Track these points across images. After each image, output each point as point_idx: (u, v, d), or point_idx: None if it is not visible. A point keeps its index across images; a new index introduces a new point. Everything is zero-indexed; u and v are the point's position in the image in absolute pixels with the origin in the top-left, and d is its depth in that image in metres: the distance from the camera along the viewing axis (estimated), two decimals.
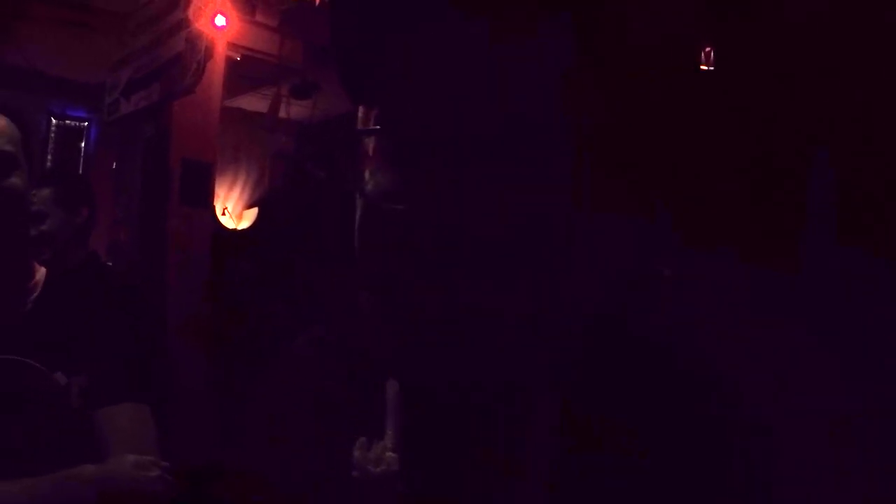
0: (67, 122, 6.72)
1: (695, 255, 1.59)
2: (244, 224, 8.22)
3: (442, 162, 1.48)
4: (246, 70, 6.48)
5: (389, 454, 1.64)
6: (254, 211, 8.20)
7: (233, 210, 8.25)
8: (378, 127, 1.59)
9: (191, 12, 5.22)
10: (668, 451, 1.43)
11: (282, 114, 6.76)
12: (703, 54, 1.66)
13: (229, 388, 4.90)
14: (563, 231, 1.50)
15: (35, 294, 1.70)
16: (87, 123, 6.77)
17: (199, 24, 5.15)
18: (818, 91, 1.49)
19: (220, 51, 5.76)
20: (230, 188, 8.21)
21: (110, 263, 5.45)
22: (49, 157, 6.65)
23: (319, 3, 5.69)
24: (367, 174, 1.54)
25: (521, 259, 1.45)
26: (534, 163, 1.45)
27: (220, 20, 5.31)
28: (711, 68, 1.62)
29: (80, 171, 6.67)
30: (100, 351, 1.65)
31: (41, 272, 1.74)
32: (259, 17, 6.19)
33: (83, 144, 6.77)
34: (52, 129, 6.66)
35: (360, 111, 1.61)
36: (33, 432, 1.54)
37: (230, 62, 6.20)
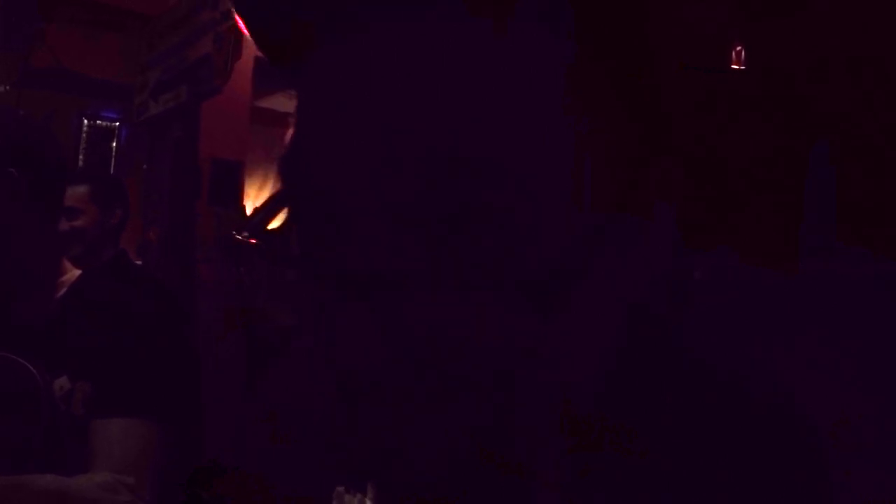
0: (99, 122, 6.80)
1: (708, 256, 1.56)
2: (274, 224, 8.24)
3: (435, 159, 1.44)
4: (275, 70, 6.49)
5: None
6: (284, 211, 8.23)
7: None
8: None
9: (219, 13, 5.25)
10: (690, 459, 1.41)
11: None
12: (733, 53, 1.64)
13: (249, 386, 4.94)
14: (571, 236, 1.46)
15: (60, 294, 1.66)
16: (118, 124, 6.84)
17: (228, 25, 5.17)
18: (818, 90, 1.46)
19: (249, 51, 5.79)
20: (260, 188, 8.24)
21: (140, 263, 5.50)
22: (81, 157, 6.73)
23: None
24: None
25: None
26: (532, 162, 1.42)
27: None
28: (742, 67, 1.60)
29: (112, 172, 6.74)
30: (109, 358, 1.56)
31: (72, 273, 1.70)
32: None
33: (114, 144, 6.84)
34: (84, 129, 6.74)
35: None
36: (9, 436, 1.46)
37: (259, 62, 6.22)
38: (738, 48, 1.59)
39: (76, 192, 3.24)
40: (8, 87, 5.93)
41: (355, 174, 1.28)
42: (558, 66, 1.45)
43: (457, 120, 1.32)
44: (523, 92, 1.49)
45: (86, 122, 6.73)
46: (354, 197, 1.27)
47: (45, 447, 1.48)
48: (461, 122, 1.31)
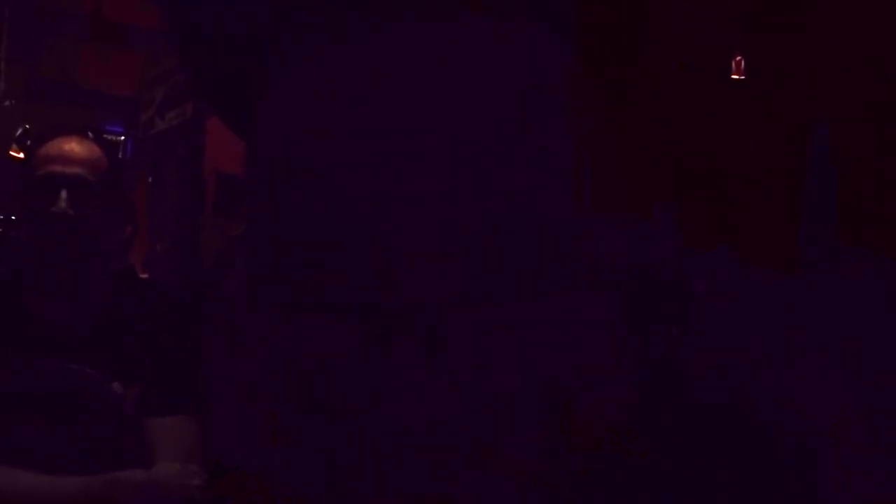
0: (105, 136, 6.81)
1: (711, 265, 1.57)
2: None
3: (434, 162, 1.45)
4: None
5: None
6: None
7: None
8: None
9: None
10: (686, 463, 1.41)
11: None
12: (733, 63, 1.64)
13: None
14: (562, 234, 1.47)
15: (102, 306, 1.84)
16: (123, 137, 6.86)
17: None
18: (818, 91, 1.47)
19: None
20: None
21: (146, 276, 5.51)
22: None
23: None
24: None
25: (518, 267, 1.43)
26: (533, 163, 1.43)
27: None
28: (742, 77, 1.61)
29: None
30: (153, 363, 1.77)
31: (98, 284, 1.88)
32: None
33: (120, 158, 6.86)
34: None
35: None
36: (88, 438, 1.68)
37: None
38: (738, 58, 1.60)
39: None
40: (14, 101, 5.96)
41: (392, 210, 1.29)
42: (560, 68, 1.46)
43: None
44: (525, 96, 1.49)
45: (91, 135, 6.74)
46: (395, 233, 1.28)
47: (107, 446, 1.70)
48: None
